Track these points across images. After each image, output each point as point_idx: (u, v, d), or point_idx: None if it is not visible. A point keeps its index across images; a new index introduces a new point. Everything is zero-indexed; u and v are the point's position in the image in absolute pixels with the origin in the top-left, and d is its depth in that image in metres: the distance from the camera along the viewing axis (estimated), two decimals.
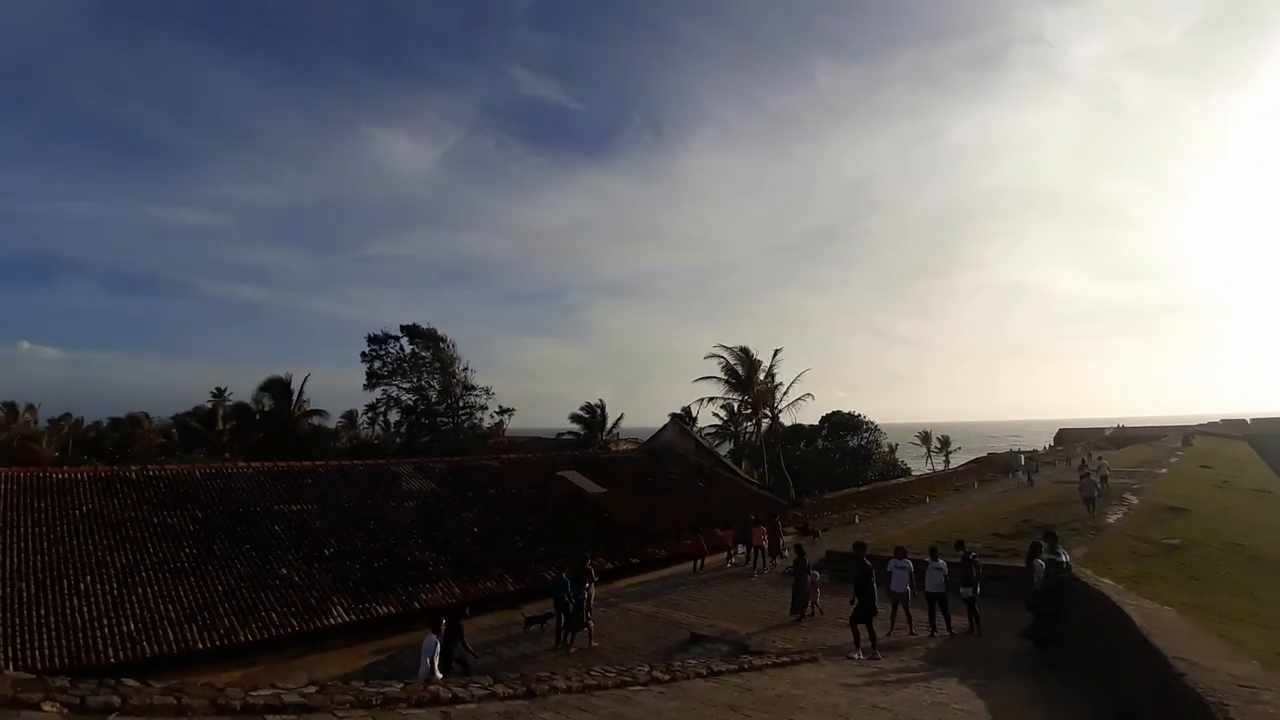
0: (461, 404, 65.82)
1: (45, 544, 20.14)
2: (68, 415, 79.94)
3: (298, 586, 20.76)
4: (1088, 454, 63.67)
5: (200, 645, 17.80)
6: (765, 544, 27.86)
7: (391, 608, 21.01)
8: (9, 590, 18.06)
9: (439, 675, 14.92)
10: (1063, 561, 16.37)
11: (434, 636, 15.12)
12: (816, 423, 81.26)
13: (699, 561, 28.33)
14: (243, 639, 18.38)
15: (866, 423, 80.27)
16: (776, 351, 64.61)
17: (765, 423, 64.80)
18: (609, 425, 67.51)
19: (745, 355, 63.77)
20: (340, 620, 19.99)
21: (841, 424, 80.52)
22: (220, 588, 19.89)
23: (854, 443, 78.41)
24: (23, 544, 19.94)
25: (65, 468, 27.71)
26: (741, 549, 29.54)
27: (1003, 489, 49.42)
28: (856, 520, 40.43)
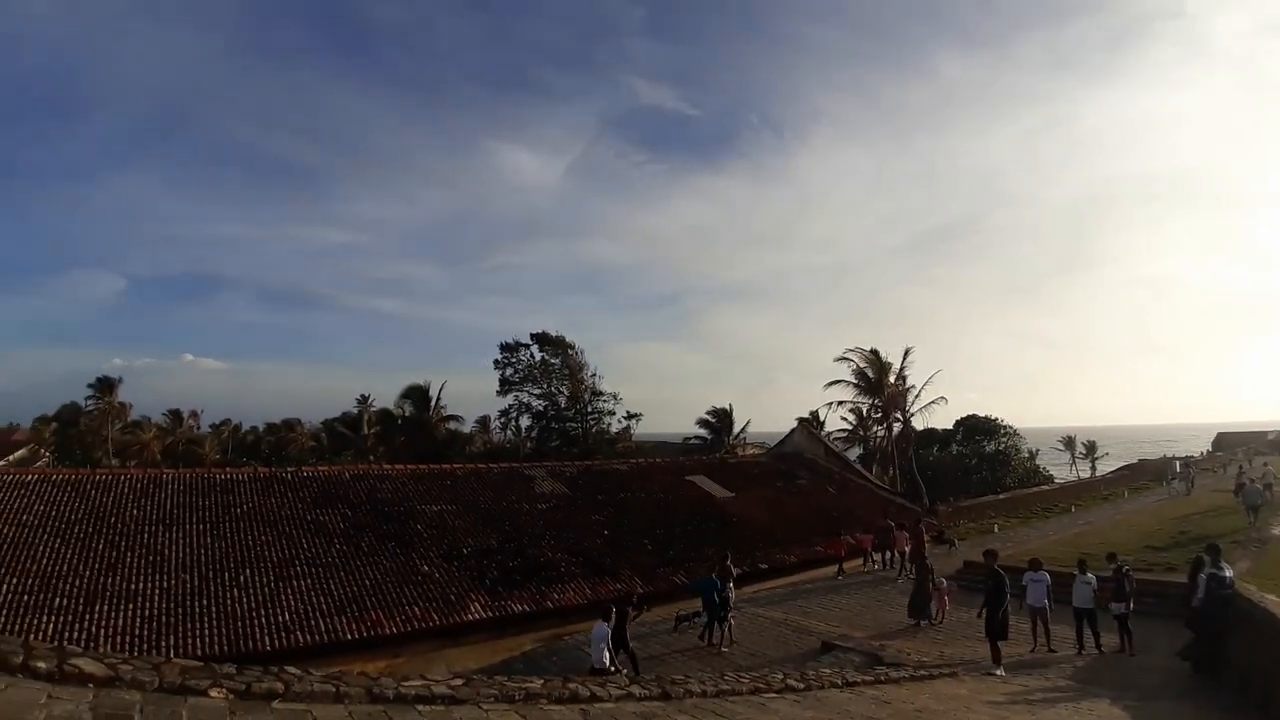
0: (590, 409, 66.83)
1: (209, 539, 21.65)
2: (228, 421, 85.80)
3: (438, 583, 21.54)
4: (1248, 459, 59.13)
5: (349, 636, 18.70)
6: (908, 550, 27.04)
7: (525, 606, 21.51)
8: (175, 581, 19.49)
9: (605, 662, 15.32)
10: (1226, 577, 15.25)
11: (604, 625, 15.43)
12: (950, 427, 78.43)
13: (840, 566, 27.91)
14: (387, 631, 19.21)
15: (1004, 426, 76.87)
16: (907, 353, 62.58)
17: (896, 427, 63.05)
18: (735, 430, 67.18)
19: (875, 358, 62.26)
20: (478, 616, 20.60)
21: (977, 428, 77.39)
22: (367, 582, 20.87)
23: (990, 448, 75.22)
24: (188, 539, 21.49)
25: (226, 468, 29.77)
26: (876, 556, 28.92)
27: (1156, 498, 46.43)
28: (995, 529, 38.83)
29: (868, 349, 62.70)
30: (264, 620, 18.59)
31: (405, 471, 29.31)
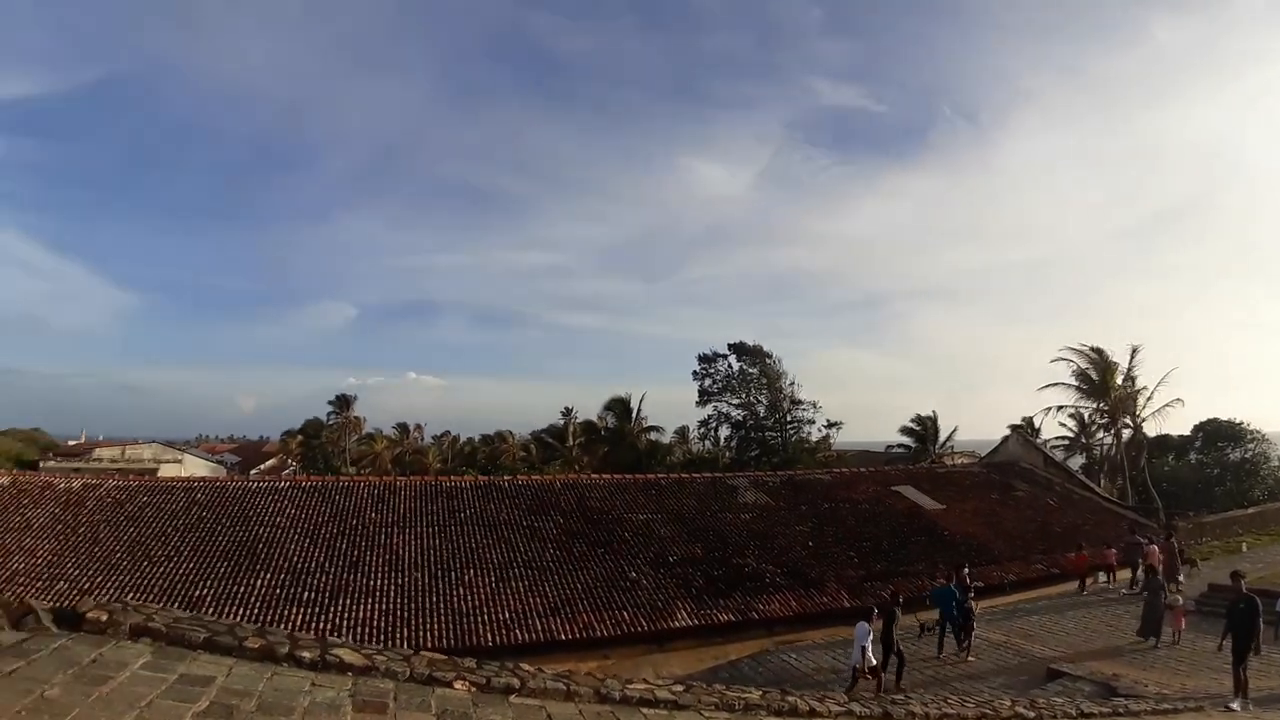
0: (789, 418, 66.12)
1: (437, 541, 23.29)
2: (447, 432, 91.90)
3: (646, 589, 22.04)
4: None
5: (563, 636, 19.52)
6: (1160, 566, 24.72)
7: (731, 615, 21.58)
8: (408, 579, 21.10)
9: (873, 662, 15.34)
10: None
11: (865, 625, 15.49)
12: (1188, 433, 71.04)
13: (1082, 582, 26.24)
14: (598, 634, 19.88)
15: (1250, 431, 68.61)
16: (1135, 350, 56.94)
17: (1125, 433, 57.93)
18: (942, 438, 64.28)
19: (1099, 357, 57.22)
20: (684, 624, 20.89)
21: (1219, 433, 69.49)
22: (579, 586, 21.71)
23: (1235, 455, 67.45)
24: (419, 540, 23.20)
25: (449, 477, 31.88)
26: (1104, 575, 26.87)
27: None
28: (1243, 548, 35.01)
29: (1089, 347, 57.93)
30: (486, 618, 19.76)
31: (612, 481, 30.23)
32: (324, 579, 20.80)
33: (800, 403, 66.12)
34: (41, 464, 43.60)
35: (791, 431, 66.03)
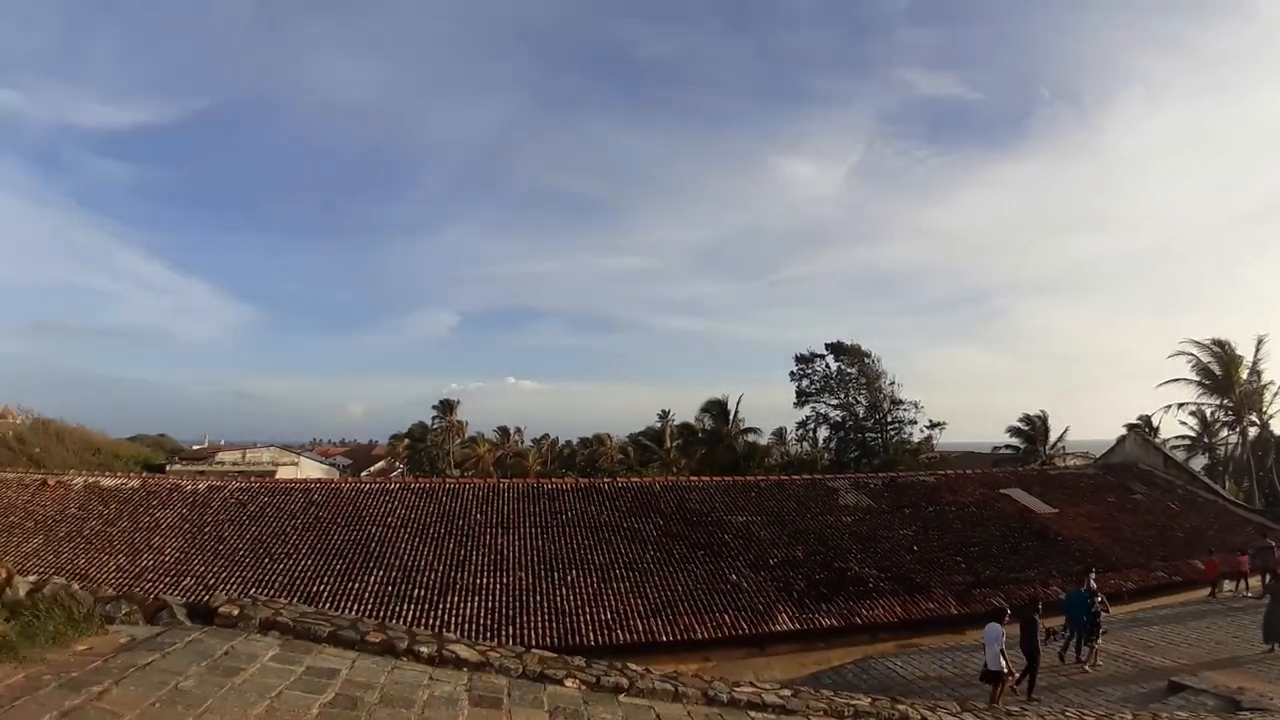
0: (889, 419, 64.75)
1: (540, 541, 23.74)
2: (546, 435, 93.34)
3: (746, 592, 21.95)
4: None
5: (663, 638, 19.62)
6: None
7: (833, 620, 21.30)
8: (512, 578, 21.56)
9: (1005, 666, 15.13)
10: None
11: (998, 626, 15.30)
12: None
13: (1213, 588, 25.10)
14: (699, 636, 19.90)
15: None
16: (1260, 342, 53.23)
17: (1251, 431, 54.51)
18: (1052, 438, 61.84)
19: (1222, 350, 53.94)
20: (785, 628, 20.72)
21: None
22: (679, 588, 21.78)
23: None
24: (522, 541, 23.68)
25: (550, 479, 32.42)
26: (1233, 582, 25.51)
27: None
28: None
29: (1210, 340, 54.69)
30: (589, 617, 20.03)
31: (711, 483, 30.22)
32: (432, 577, 21.44)
33: (901, 403, 64.65)
34: (168, 467, 46.08)
35: (892, 433, 64.64)
